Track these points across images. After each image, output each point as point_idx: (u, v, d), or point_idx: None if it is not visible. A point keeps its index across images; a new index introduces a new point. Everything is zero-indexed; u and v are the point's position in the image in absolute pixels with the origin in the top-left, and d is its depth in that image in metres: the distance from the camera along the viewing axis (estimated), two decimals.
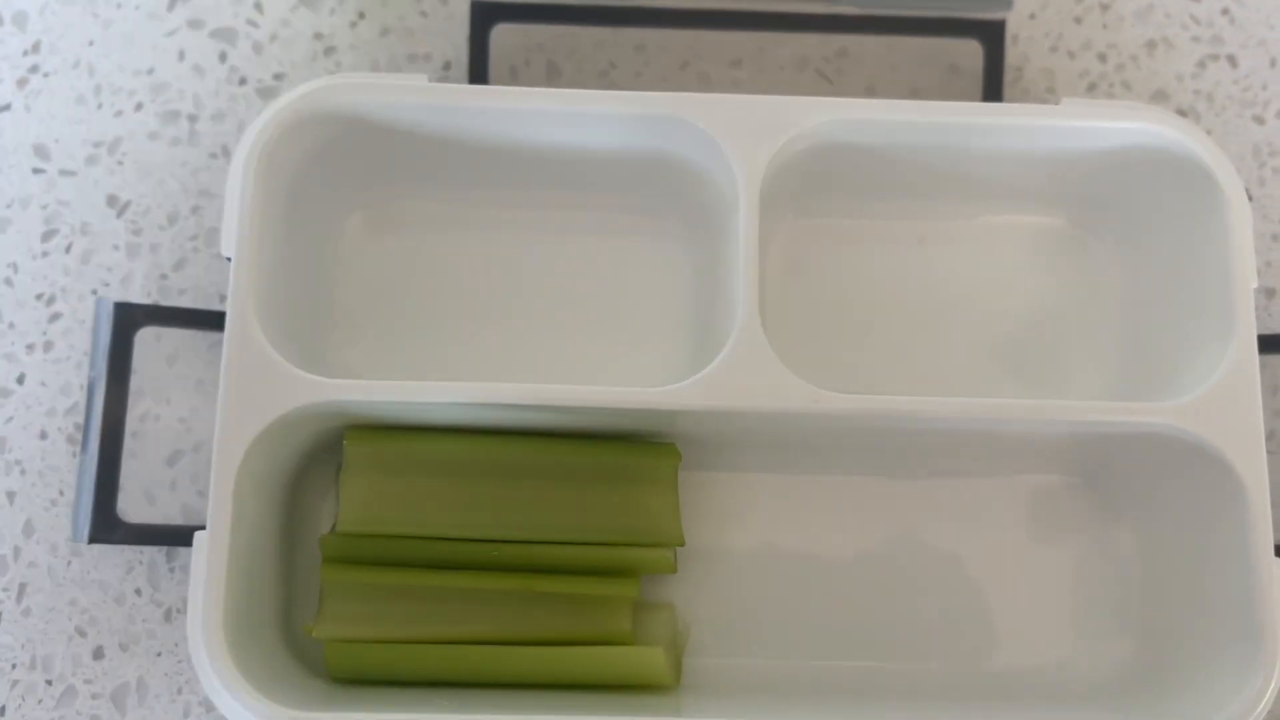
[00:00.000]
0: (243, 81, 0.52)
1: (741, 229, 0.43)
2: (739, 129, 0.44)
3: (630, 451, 0.44)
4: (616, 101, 0.45)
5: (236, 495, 0.41)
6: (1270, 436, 0.49)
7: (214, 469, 0.41)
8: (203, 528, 0.41)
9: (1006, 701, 0.45)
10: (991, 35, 0.50)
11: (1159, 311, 0.47)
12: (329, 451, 0.45)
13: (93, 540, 0.43)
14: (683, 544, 0.44)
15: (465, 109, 0.45)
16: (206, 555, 0.40)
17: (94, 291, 0.49)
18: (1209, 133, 0.51)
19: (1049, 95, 0.52)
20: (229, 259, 0.43)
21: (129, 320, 0.44)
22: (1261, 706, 0.41)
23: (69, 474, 0.48)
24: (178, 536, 0.44)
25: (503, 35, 0.51)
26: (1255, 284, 0.44)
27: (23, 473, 0.48)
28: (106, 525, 0.43)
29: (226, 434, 0.41)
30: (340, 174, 0.47)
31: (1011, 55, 0.52)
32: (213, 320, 0.46)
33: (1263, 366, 0.44)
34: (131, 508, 0.47)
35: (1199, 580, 0.44)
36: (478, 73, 0.49)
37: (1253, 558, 0.42)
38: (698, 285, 0.48)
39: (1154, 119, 0.45)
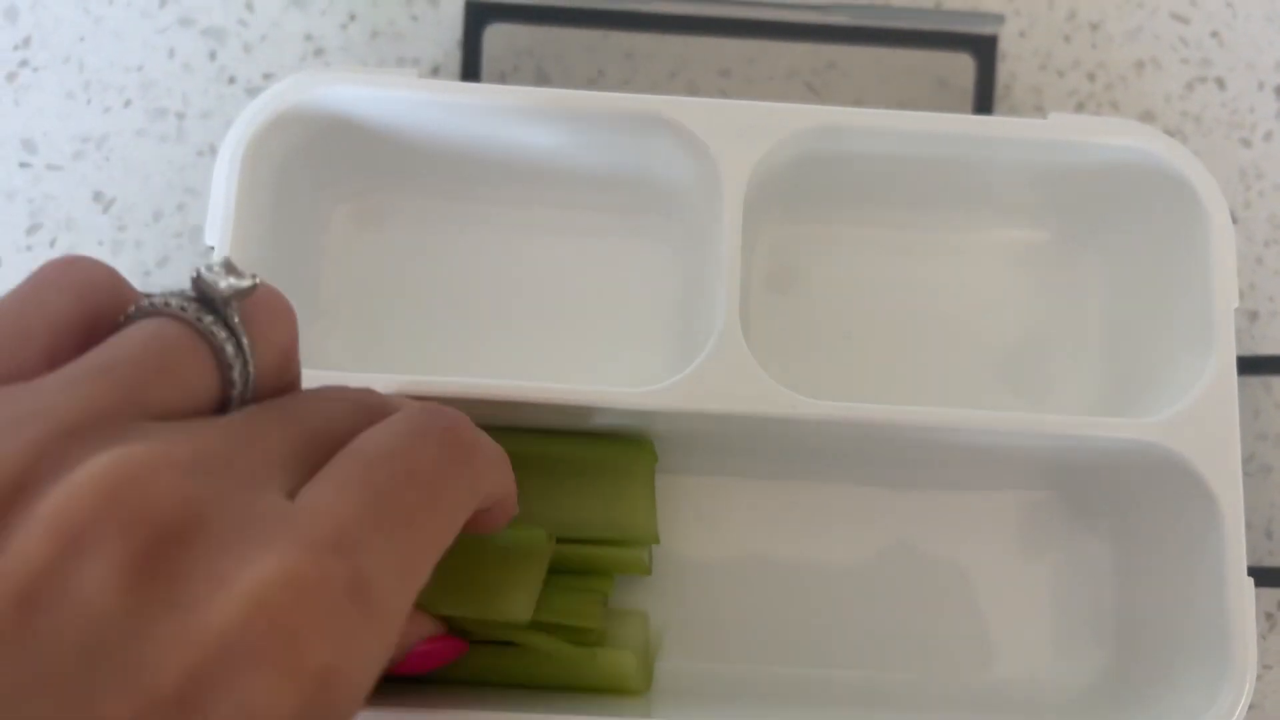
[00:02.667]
0: (232, 80, 0.52)
1: (725, 232, 0.43)
2: (727, 132, 0.44)
3: (606, 447, 0.44)
4: (605, 102, 0.45)
5: None
6: (1250, 459, 0.49)
7: None
8: None
9: (979, 713, 0.45)
10: (984, 49, 0.50)
11: (1142, 328, 0.47)
12: None
13: None
14: (658, 542, 0.44)
15: (452, 105, 0.45)
16: None
17: None
18: (1196, 154, 0.51)
19: (1037, 113, 0.52)
20: (211, 247, 0.43)
21: None
22: None
23: None
24: None
25: (492, 40, 0.51)
26: (1236, 304, 0.44)
27: None
28: None
29: None
30: (327, 168, 0.47)
31: (1000, 72, 0.52)
32: None
33: (1244, 388, 0.44)
34: None
35: (1173, 597, 0.44)
36: (470, 74, 0.49)
37: (1226, 575, 0.42)
38: (681, 289, 0.48)
39: (1140, 136, 0.46)
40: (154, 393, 0.27)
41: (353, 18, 0.52)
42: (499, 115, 0.45)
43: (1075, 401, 0.48)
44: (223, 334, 0.29)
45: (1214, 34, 0.53)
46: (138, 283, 0.49)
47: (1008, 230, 0.49)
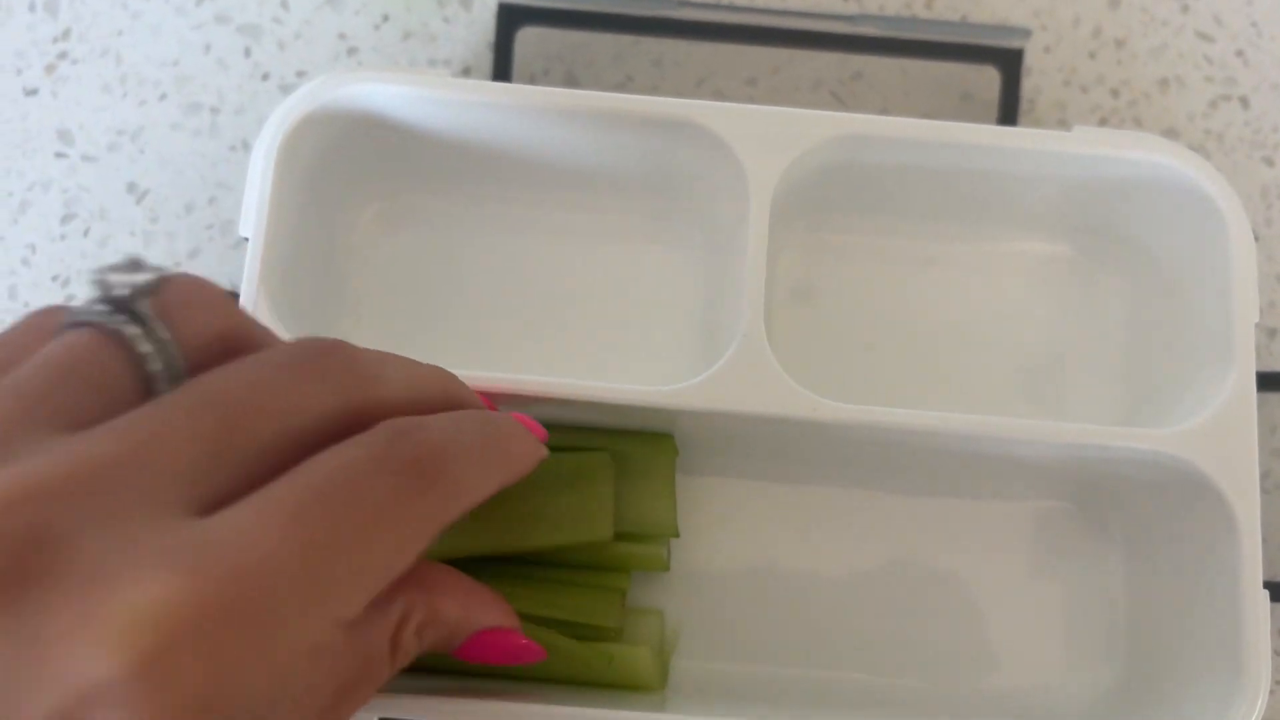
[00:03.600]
0: (265, 77, 0.52)
1: (751, 236, 0.44)
2: (756, 138, 0.45)
3: (627, 441, 0.44)
4: (635, 105, 0.45)
5: None
6: (1267, 475, 0.50)
7: None
8: None
9: None
10: (1009, 63, 0.50)
11: (1162, 343, 0.48)
12: None
13: None
14: (677, 534, 0.44)
15: (484, 106, 0.45)
16: None
17: None
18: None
19: (1061, 127, 0.53)
20: (246, 239, 0.43)
21: None
22: None
23: None
24: None
25: (522, 43, 0.51)
26: (1257, 319, 0.44)
27: None
28: None
29: None
30: (358, 166, 0.47)
31: (1025, 87, 0.52)
32: None
33: (1262, 405, 0.45)
34: None
35: (1187, 609, 0.45)
36: (500, 76, 0.50)
37: (1241, 588, 0.42)
38: (706, 292, 0.48)
39: (1164, 151, 0.46)
40: (60, 400, 0.27)
41: (386, 18, 0.53)
42: (530, 117, 0.46)
43: (1093, 415, 0.48)
44: (133, 330, 0.28)
45: (1239, 53, 0.54)
46: None
47: (1030, 243, 0.50)
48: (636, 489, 0.44)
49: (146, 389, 0.28)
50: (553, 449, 0.43)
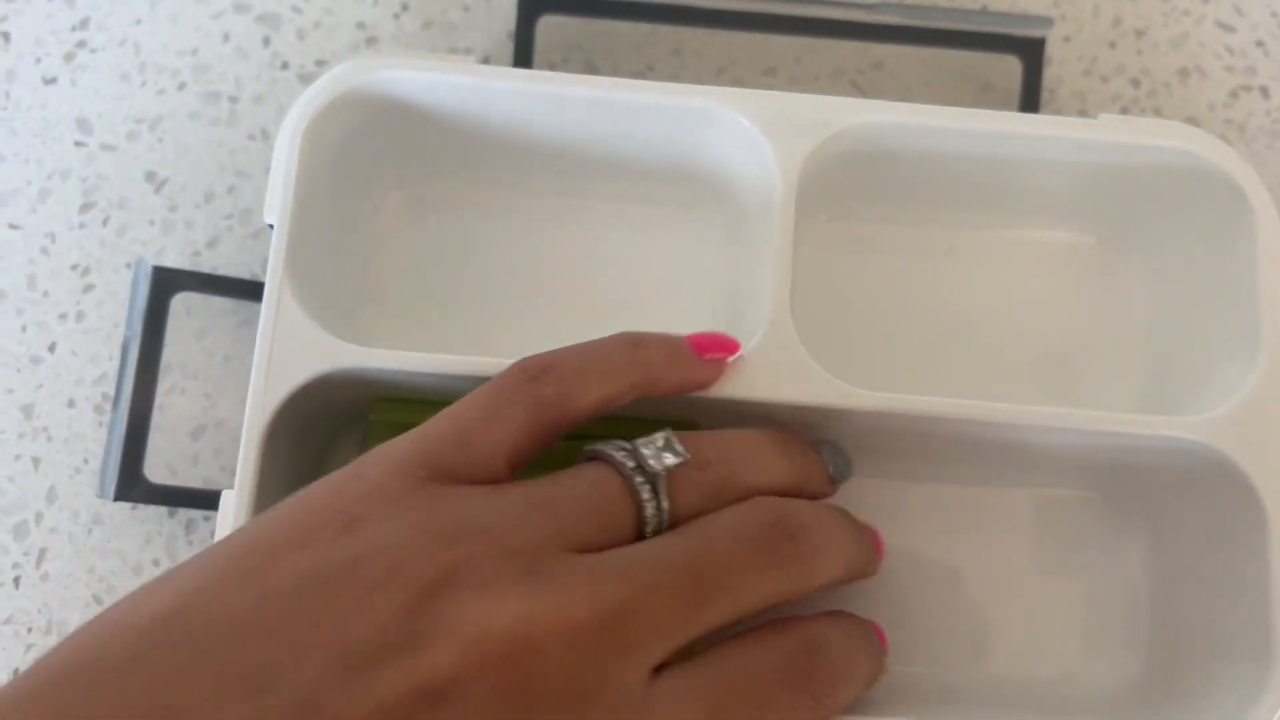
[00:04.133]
0: (285, 66, 0.52)
1: (776, 223, 0.44)
2: (780, 124, 0.44)
3: (649, 429, 0.44)
4: (659, 92, 0.45)
5: (265, 456, 0.41)
6: None
7: (245, 427, 0.41)
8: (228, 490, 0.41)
9: (1008, 710, 0.45)
10: (1031, 52, 0.50)
11: (1186, 331, 0.48)
12: (358, 427, 0.45)
13: (118, 497, 0.43)
14: None
15: (508, 92, 0.45)
16: (233, 514, 0.40)
17: (128, 265, 0.50)
18: None
19: (1081, 117, 0.52)
20: (270, 225, 0.43)
21: (166, 283, 0.45)
22: None
23: (94, 443, 0.48)
24: (201, 500, 0.45)
25: (542, 33, 0.51)
26: None
27: (49, 439, 0.48)
28: (132, 483, 0.43)
29: (259, 394, 0.41)
30: (382, 153, 0.47)
31: (1045, 76, 0.52)
32: (247, 289, 0.46)
33: None
34: (154, 479, 0.47)
35: (1213, 598, 0.44)
36: (521, 65, 0.50)
37: (1270, 576, 0.42)
38: (729, 280, 0.48)
39: (1190, 139, 0.46)
40: (580, 532, 0.33)
41: (405, 7, 0.53)
42: (554, 104, 0.45)
43: (1116, 403, 0.48)
44: (647, 494, 0.35)
45: (1259, 43, 0.53)
46: (187, 262, 0.50)
47: (1053, 231, 0.50)
48: None
49: (636, 536, 0.35)
50: (572, 437, 0.43)
